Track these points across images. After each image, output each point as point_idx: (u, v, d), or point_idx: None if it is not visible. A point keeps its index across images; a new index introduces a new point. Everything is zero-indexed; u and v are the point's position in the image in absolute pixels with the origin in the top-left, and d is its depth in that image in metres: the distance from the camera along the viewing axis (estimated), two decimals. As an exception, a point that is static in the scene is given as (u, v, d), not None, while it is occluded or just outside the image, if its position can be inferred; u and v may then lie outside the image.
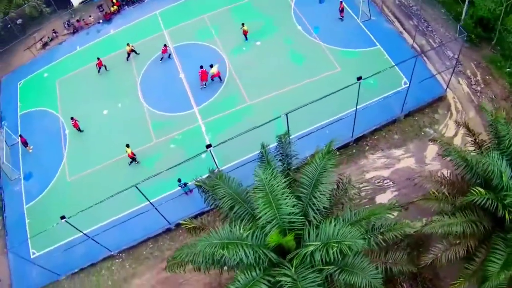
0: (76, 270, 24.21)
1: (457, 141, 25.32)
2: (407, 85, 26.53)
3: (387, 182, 24.58)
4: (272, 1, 33.55)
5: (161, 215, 22.99)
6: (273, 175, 15.19)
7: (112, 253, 24.29)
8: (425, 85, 26.06)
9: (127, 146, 26.43)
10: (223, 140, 20.49)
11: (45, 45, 34.64)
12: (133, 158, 26.67)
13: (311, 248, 13.67)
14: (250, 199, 16.39)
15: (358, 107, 23.69)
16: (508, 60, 27.90)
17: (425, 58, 28.95)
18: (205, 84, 29.15)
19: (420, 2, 31.86)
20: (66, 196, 26.53)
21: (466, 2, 28.80)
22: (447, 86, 27.13)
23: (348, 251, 13.44)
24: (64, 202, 25.99)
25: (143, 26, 34.35)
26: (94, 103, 30.13)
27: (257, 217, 14.80)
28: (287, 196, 14.88)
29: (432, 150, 25.17)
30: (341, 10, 31.00)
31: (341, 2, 30.84)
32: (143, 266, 24.10)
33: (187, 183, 24.17)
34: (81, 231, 21.45)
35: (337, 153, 17.95)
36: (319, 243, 13.77)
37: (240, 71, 29.81)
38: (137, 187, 19.97)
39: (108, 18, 35.18)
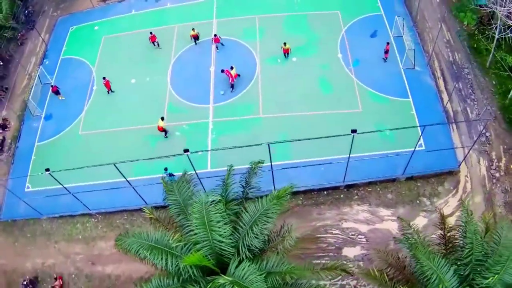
0: (56, 215, 27.47)
1: (452, 221, 24.37)
2: (422, 148, 26.80)
3: (361, 238, 25.13)
4: (327, 21, 34.14)
5: (138, 194, 25.19)
6: (213, 202, 16.52)
7: (91, 212, 27.11)
8: (439, 153, 25.85)
9: (162, 119, 28.67)
10: (210, 149, 22.24)
11: (106, -1, 37.91)
12: (164, 131, 28.95)
13: (221, 281, 15.17)
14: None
15: (364, 154, 24.65)
16: None
17: (452, 125, 28.56)
18: (232, 87, 30.73)
19: (474, 67, 31.25)
20: (73, 147, 29.77)
21: None
22: (462, 162, 26.64)
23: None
24: (70, 152, 29.48)
25: (198, 9, 36.35)
26: (127, 69, 32.87)
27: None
28: (222, 224, 16.25)
29: (420, 221, 25.06)
30: (386, 51, 31.03)
31: (388, 43, 30.94)
32: (112, 233, 26.61)
33: (173, 174, 26.21)
34: (62, 185, 24.07)
35: (286, 200, 18.59)
36: (230, 279, 15.24)
37: (266, 81, 31.07)
38: (115, 166, 22.10)
39: (169, -10, 37.44)
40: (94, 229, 27.14)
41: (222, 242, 16.15)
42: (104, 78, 31.24)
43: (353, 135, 21.65)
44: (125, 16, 36.82)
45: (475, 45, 31.83)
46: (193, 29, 33.39)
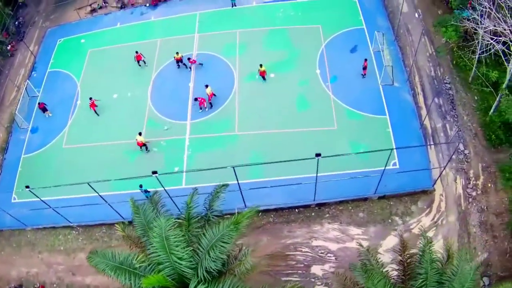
0: (40, 227, 29.06)
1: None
2: (396, 167, 27.46)
3: (330, 256, 25.88)
4: (308, 35, 34.74)
5: (114, 210, 26.38)
6: (173, 225, 18.01)
7: (72, 224, 28.55)
8: (414, 172, 26.14)
9: (140, 134, 29.93)
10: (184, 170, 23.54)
11: (93, 11, 39.31)
12: (144, 145, 30.22)
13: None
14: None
15: (336, 172, 25.92)
16: None
17: (430, 142, 28.92)
18: (204, 108, 31.66)
19: (456, 82, 31.38)
20: (57, 160, 31.26)
21: (498, 98, 28.02)
22: (436, 182, 27.04)
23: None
24: (54, 165, 31.05)
25: (181, 23, 37.41)
26: (110, 84, 34.15)
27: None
28: (181, 248, 17.64)
29: (390, 241, 25.72)
30: (364, 67, 31.43)
31: (366, 59, 31.36)
32: (91, 245, 28.05)
33: (148, 190, 27.50)
34: (42, 200, 25.72)
35: (243, 224, 19.81)
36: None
37: (243, 98, 31.97)
38: (89, 184, 23.48)
39: (154, 3, 38.71)
40: (75, 241, 28.63)
41: (181, 264, 17.56)
42: (90, 98, 32.30)
43: (318, 159, 22.31)
44: (111, 29, 38.09)
45: (457, 60, 31.87)
46: (177, 52, 33.98)
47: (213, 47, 35.26)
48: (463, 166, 28.18)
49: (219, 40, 35.60)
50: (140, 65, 34.87)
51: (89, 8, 39.58)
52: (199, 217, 21.20)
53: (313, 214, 27.43)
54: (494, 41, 26.54)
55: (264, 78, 32.53)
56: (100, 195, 25.16)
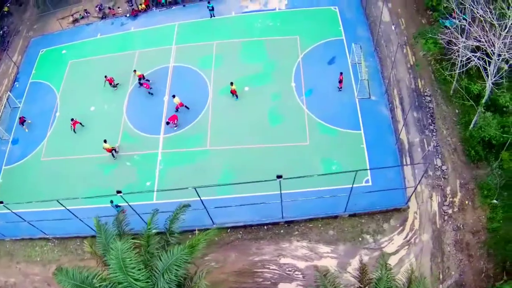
0: (18, 238, 30.01)
1: (394, 260, 25.43)
2: (369, 184, 27.58)
3: (298, 274, 26.11)
4: (285, 47, 34.84)
5: (86, 224, 27.03)
6: (129, 249, 18.96)
7: (48, 236, 29.44)
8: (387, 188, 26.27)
9: (105, 141, 30.77)
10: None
11: (75, 21, 40.14)
12: (113, 150, 31.24)
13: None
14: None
15: (306, 189, 26.23)
16: (497, 191, 26.63)
17: (406, 157, 28.78)
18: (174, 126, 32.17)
19: (437, 94, 31.11)
20: (35, 172, 32.18)
21: (477, 112, 27.76)
22: (409, 199, 26.95)
23: None
24: (32, 177, 32.00)
25: (159, 34, 37.96)
26: (88, 96, 34.91)
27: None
28: (136, 270, 18.64)
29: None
30: (340, 81, 31.32)
31: (341, 73, 31.21)
32: (66, 257, 28.97)
33: (119, 205, 28.16)
34: (16, 214, 26.73)
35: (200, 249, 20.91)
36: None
37: (217, 112, 32.32)
38: (59, 202, 24.47)
39: (134, 14, 39.33)
40: (50, 253, 29.44)
41: (137, 285, 18.54)
42: (72, 119, 32.85)
43: (279, 180, 22.53)
44: (92, 40, 38.81)
45: (437, 73, 31.71)
46: (134, 70, 34.84)
47: (190, 59, 35.64)
48: (440, 182, 28.03)
49: (195, 52, 35.98)
50: (112, 87, 35.11)
51: (71, 19, 40.43)
52: (158, 238, 22.00)
53: (282, 231, 27.66)
54: (473, 55, 26.44)
55: (236, 96, 32.73)
56: (70, 211, 25.84)
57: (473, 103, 28.74)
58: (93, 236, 27.19)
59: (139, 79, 34.52)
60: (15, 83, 37.87)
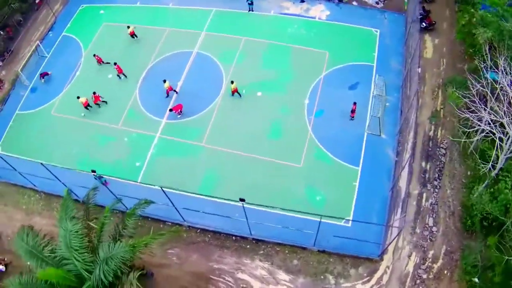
0: (11, 182, 32.25)
1: None
2: (348, 225, 27.29)
3: None
4: (311, 60, 34.43)
5: (70, 190, 27.05)
6: (76, 232, 21.31)
7: (37, 189, 31.64)
8: (365, 233, 26.09)
9: (78, 97, 33.29)
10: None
11: (120, -17, 41.19)
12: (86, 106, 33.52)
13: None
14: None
15: (283, 213, 26.34)
16: (479, 270, 25.25)
17: (398, 208, 28.02)
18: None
19: (454, 149, 29.86)
20: (42, 124, 34.20)
21: (485, 183, 26.44)
22: (384, 251, 26.42)
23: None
24: (39, 128, 34.04)
25: (194, 16, 38.34)
26: (110, 62, 36.02)
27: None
28: (80, 253, 20.98)
29: None
30: (352, 111, 30.74)
31: (355, 103, 30.57)
32: (48, 213, 30.80)
33: (102, 176, 29.40)
34: (10, 165, 28.97)
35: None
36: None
37: (222, 111, 32.72)
38: (43, 164, 26.28)
39: (177, -11, 39.79)
40: (36, 204, 31.41)
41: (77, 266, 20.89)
42: (94, 93, 33.92)
43: (243, 204, 23.12)
44: (130, 7, 39.88)
45: (458, 127, 29.78)
46: (128, 26, 36.77)
47: (215, 49, 35.95)
48: (425, 243, 27.12)
49: (222, 44, 36.20)
50: (120, 78, 35.82)
51: (117, -23, 41.53)
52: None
53: (248, 246, 28.06)
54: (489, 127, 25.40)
55: (239, 94, 33.05)
56: (54, 175, 27.59)
57: (486, 172, 26.89)
58: (76, 200, 29.23)
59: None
60: (49, 32, 39.86)
